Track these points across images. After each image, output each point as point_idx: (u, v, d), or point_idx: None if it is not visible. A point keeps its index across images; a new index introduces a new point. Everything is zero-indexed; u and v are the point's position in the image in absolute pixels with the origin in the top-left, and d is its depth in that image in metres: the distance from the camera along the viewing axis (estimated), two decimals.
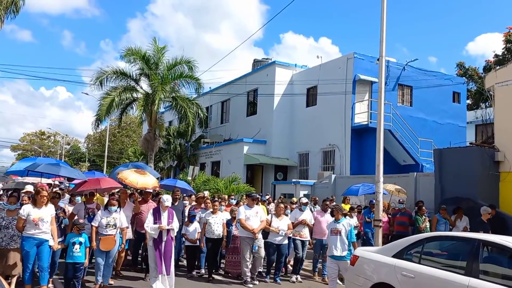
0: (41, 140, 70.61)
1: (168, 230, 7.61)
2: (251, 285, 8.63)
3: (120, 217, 7.71)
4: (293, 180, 19.90)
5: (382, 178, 10.11)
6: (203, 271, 9.50)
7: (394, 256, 6.19)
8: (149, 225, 7.52)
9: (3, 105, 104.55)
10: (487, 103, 23.75)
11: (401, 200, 11.93)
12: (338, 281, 8.62)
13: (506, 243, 5.13)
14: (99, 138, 55.36)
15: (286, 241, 9.15)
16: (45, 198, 6.99)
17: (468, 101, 29.73)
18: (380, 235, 9.66)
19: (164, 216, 7.64)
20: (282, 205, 9.69)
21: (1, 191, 14.51)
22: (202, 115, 24.40)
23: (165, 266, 7.41)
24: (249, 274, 8.75)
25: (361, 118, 19.33)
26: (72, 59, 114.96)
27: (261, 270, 9.58)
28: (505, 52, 27.39)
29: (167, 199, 7.80)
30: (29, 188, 11.10)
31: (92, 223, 7.53)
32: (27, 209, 6.83)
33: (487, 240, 5.43)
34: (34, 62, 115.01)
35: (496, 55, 28.27)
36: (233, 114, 27.08)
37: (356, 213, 11.12)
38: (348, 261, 7.38)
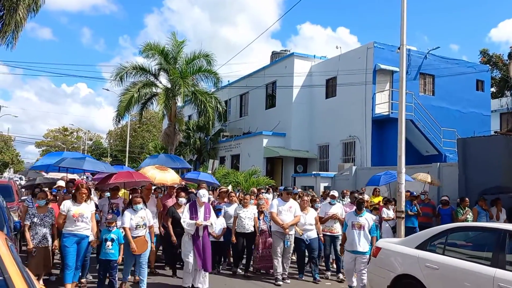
0: (64, 136, 72.10)
1: (205, 226, 7.39)
2: (281, 283, 8.13)
3: (147, 215, 7.24)
4: (313, 172, 19.79)
5: (404, 169, 9.95)
6: (238, 269, 8.98)
7: (417, 247, 6.09)
8: (185, 220, 7.29)
9: (27, 102, 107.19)
10: None
11: (423, 190, 11.70)
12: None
13: None
14: (121, 134, 56.15)
15: (315, 235, 8.61)
16: (84, 194, 6.86)
17: (492, 89, 28.98)
18: (402, 227, 9.51)
19: (201, 211, 7.42)
20: (306, 198, 9.08)
21: (23, 189, 14.77)
22: (221, 108, 24.45)
23: (203, 261, 7.21)
24: (280, 270, 8.22)
25: (382, 108, 19.05)
26: (92, 55, 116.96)
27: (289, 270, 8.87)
28: None
29: (203, 194, 7.58)
30: (61, 183, 11.12)
31: (124, 225, 6.95)
32: (67, 205, 6.76)
33: None
34: (55, 59, 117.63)
35: None
36: (252, 107, 27.04)
37: (393, 205, 10.56)
38: (368, 256, 7.26)
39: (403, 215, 9.64)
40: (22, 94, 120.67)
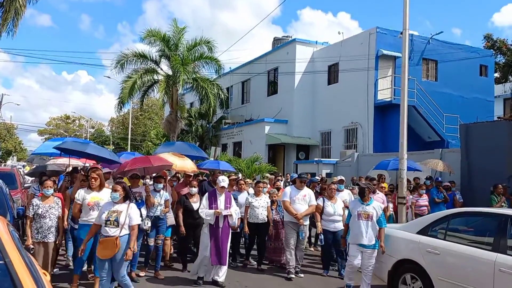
0: (67, 124, 72.18)
1: (225, 216, 6.82)
2: (293, 276, 7.52)
3: (130, 210, 5.58)
4: (315, 159, 19.79)
5: (406, 155, 9.92)
6: (252, 261, 8.51)
7: (419, 232, 6.10)
8: (203, 210, 6.77)
9: (29, 90, 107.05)
10: None
11: (428, 176, 11.64)
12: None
13: None
14: (122, 121, 56.15)
15: (342, 227, 7.65)
16: (94, 179, 6.17)
17: (496, 75, 28.74)
18: (403, 213, 9.52)
19: (221, 199, 6.87)
20: (334, 186, 8.22)
21: (27, 176, 14.65)
22: (223, 96, 24.37)
23: (219, 256, 6.68)
24: (293, 263, 7.60)
25: (384, 94, 18.96)
26: (91, 42, 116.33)
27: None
28: None
29: (223, 179, 7.04)
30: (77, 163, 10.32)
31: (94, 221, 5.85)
32: (82, 193, 6.18)
33: None
34: (54, 46, 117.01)
35: None
36: (254, 94, 26.95)
37: (424, 191, 10.29)
38: (376, 250, 6.45)
39: (405, 201, 9.64)
40: (23, 81, 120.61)
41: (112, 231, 5.38)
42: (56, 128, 69.98)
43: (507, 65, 27.15)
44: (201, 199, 7.26)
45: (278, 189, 9.53)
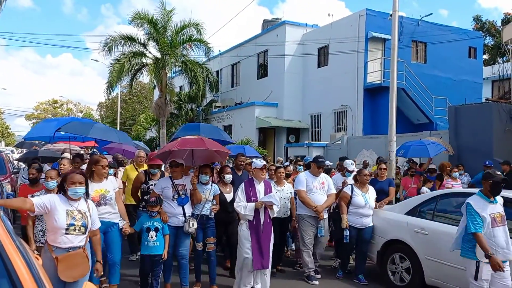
0: (55, 108, 71.33)
1: (266, 210, 5.64)
2: (316, 282, 6.44)
3: (91, 210, 4.08)
4: (305, 142, 19.86)
5: (395, 138, 10.01)
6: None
7: (407, 213, 6.21)
8: (240, 204, 5.56)
9: (13, 74, 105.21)
10: (504, 58, 23.08)
11: (409, 158, 11.66)
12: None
13: None
14: (111, 105, 55.64)
15: (371, 223, 6.56)
16: (105, 170, 5.18)
17: (485, 56, 28.90)
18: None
19: (260, 190, 5.68)
20: (366, 171, 6.90)
21: (18, 161, 14.45)
22: (212, 79, 24.23)
23: (263, 258, 5.51)
24: (312, 265, 6.54)
25: (374, 77, 18.99)
26: (74, 25, 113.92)
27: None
28: None
29: (260, 161, 5.99)
30: (67, 156, 8.90)
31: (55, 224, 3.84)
32: None
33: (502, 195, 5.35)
34: (36, 29, 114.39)
35: None
36: (244, 77, 26.81)
37: (457, 173, 9.52)
38: None
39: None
40: (7, 65, 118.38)
41: (77, 240, 3.85)
42: (44, 112, 69.14)
43: (496, 47, 27.28)
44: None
45: (289, 175, 8.14)
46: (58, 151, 10.51)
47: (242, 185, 5.74)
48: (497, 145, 11.18)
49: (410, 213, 6.18)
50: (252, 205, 5.51)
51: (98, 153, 7.00)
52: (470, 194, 6.04)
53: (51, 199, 3.84)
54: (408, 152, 10.88)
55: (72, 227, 3.80)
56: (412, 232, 5.91)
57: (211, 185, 5.98)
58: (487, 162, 9.83)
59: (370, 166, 11.75)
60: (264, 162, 5.84)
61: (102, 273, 4.37)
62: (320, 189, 6.53)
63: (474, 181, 9.73)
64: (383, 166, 7.92)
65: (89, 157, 7.05)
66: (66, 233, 3.77)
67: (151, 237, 5.24)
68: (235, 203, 5.63)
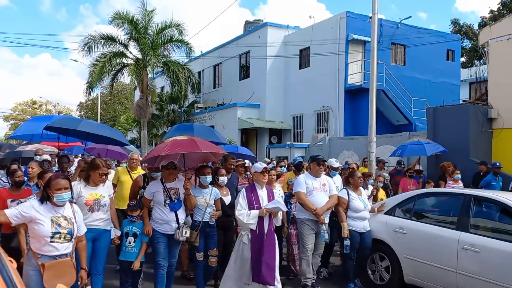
0: (33, 109, 69.95)
1: (270, 218, 5.10)
2: None
3: (77, 215, 3.90)
4: (287, 143, 19.93)
5: (375, 139, 10.13)
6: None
7: (387, 213, 6.28)
8: (242, 211, 5.00)
9: None
10: (481, 61, 23.57)
11: (399, 161, 11.80)
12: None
13: (496, 198, 5.18)
14: (91, 106, 54.90)
15: (369, 226, 6.19)
16: (102, 178, 4.85)
17: (463, 59, 29.49)
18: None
19: (263, 196, 5.17)
20: (359, 174, 6.45)
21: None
22: (194, 80, 24.12)
23: (269, 271, 4.87)
24: (310, 275, 5.97)
25: (354, 79, 19.19)
26: (53, 25, 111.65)
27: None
28: (501, 8, 26.98)
29: (261, 164, 5.43)
30: (46, 157, 8.86)
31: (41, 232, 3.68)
32: (77, 189, 4.71)
33: (478, 195, 5.48)
34: (13, 28, 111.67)
35: (492, 11, 27.86)
36: (226, 78, 26.77)
37: (459, 176, 9.34)
38: None
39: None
40: None
41: (63, 248, 3.66)
42: (23, 113, 67.79)
43: (473, 49, 27.87)
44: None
45: (279, 176, 7.77)
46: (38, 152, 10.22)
47: (243, 191, 5.23)
48: (473, 146, 11.41)
49: (389, 212, 6.25)
50: (255, 212, 4.99)
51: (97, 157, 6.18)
52: (450, 194, 6.18)
53: (33, 205, 3.63)
54: (405, 151, 10.79)
55: (58, 235, 3.61)
56: (391, 232, 5.98)
57: (211, 188, 5.52)
58: (497, 164, 9.70)
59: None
60: (265, 165, 5.32)
61: (86, 281, 4.12)
62: (321, 190, 6.04)
63: (483, 183, 9.54)
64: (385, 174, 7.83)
65: (57, 161, 6.62)
66: (51, 242, 3.59)
67: (129, 243, 5.01)
68: (236, 211, 5.08)
